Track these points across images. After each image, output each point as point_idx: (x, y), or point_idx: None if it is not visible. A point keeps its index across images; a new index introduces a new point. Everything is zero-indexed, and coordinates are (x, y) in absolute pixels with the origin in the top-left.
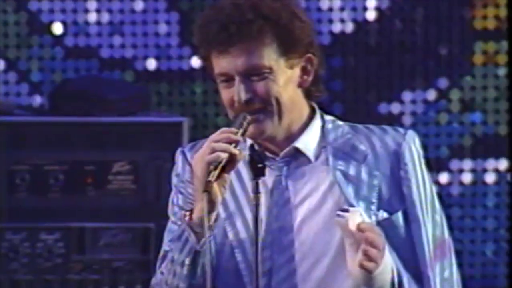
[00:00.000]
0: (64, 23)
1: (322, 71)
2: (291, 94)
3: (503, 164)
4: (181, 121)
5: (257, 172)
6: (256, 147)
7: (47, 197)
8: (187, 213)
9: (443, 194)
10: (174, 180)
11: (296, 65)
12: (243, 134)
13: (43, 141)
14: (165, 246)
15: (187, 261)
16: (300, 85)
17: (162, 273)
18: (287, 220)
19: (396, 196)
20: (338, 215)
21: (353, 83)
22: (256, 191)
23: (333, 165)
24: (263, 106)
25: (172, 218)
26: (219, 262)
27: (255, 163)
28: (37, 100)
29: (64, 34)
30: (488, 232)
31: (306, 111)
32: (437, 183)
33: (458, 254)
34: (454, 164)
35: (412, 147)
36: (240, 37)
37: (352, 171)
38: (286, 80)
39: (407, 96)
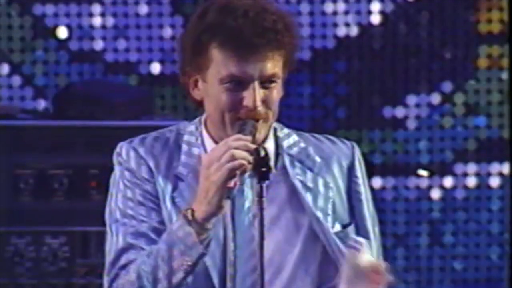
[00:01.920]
0: (68, 27)
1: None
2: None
3: (507, 168)
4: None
5: (262, 176)
6: (259, 149)
7: (51, 201)
8: (188, 212)
9: (448, 198)
10: (126, 173)
11: (285, 76)
12: (252, 143)
13: (48, 145)
14: (130, 240)
15: (189, 263)
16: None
17: (143, 270)
18: (249, 229)
19: (347, 209)
20: (352, 246)
21: (358, 87)
22: (261, 195)
23: (292, 174)
24: (266, 115)
25: (127, 211)
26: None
27: (260, 167)
28: (42, 104)
29: (68, 38)
30: (492, 236)
31: None
32: (441, 187)
33: (464, 258)
34: (459, 168)
35: (361, 159)
36: (271, 44)
37: (309, 181)
38: (280, 92)
39: (411, 99)
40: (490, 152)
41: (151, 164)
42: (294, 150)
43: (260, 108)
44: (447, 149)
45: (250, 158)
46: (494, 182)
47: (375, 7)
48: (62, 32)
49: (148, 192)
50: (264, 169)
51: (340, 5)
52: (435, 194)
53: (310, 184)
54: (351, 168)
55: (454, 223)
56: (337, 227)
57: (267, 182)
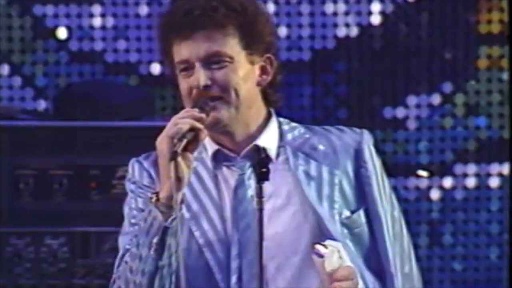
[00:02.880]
0: (68, 28)
1: (279, 77)
2: (250, 89)
3: (507, 169)
4: None
5: (261, 176)
6: (260, 149)
7: (52, 202)
8: (153, 195)
9: (447, 198)
10: (132, 186)
11: (256, 62)
12: (207, 116)
13: (48, 146)
14: (128, 246)
15: (155, 240)
16: (258, 84)
17: (126, 262)
18: (253, 219)
19: (358, 194)
20: (316, 253)
21: (358, 88)
22: (260, 195)
23: (294, 165)
24: (221, 95)
25: (131, 220)
26: (188, 261)
27: (259, 167)
28: (42, 104)
29: (68, 39)
30: (492, 236)
31: (263, 111)
32: (441, 187)
33: (463, 258)
34: (458, 169)
35: (370, 145)
36: (204, 23)
37: (313, 170)
38: (246, 73)
39: (411, 100)
40: (490, 152)
41: (153, 172)
42: (298, 142)
43: (209, 88)
44: (447, 150)
45: (198, 124)
46: (494, 182)
47: (375, 7)
48: (62, 33)
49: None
50: (264, 170)
51: (340, 5)
52: (435, 194)
53: (313, 173)
54: (359, 153)
55: (453, 224)
56: (346, 213)
57: (266, 182)
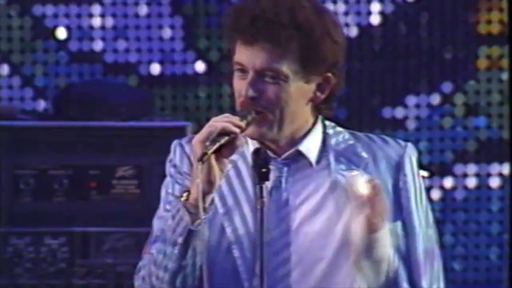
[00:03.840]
0: (68, 28)
1: (339, 91)
2: (299, 107)
3: (507, 169)
4: (185, 125)
5: (262, 177)
6: (261, 150)
7: (51, 202)
8: (185, 193)
9: (448, 198)
10: (171, 170)
11: (312, 81)
12: (247, 125)
13: (48, 146)
14: (156, 232)
15: (179, 240)
16: (311, 100)
17: (151, 253)
18: (285, 221)
19: (395, 206)
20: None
21: (358, 88)
22: (261, 195)
23: (335, 169)
24: (265, 111)
25: (166, 206)
26: (216, 257)
27: (259, 167)
28: (41, 104)
29: (68, 39)
30: (492, 237)
31: (311, 121)
32: (441, 187)
33: (463, 258)
34: (458, 169)
35: (413, 159)
36: (267, 36)
37: None
38: (298, 92)
39: (411, 100)
40: (490, 152)
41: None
42: (341, 147)
43: (255, 100)
44: (447, 150)
45: (234, 128)
46: (494, 182)
47: (375, 8)
48: (61, 33)
49: (187, 187)
50: (264, 170)
51: (340, 6)
52: (435, 194)
53: None
54: (400, 166)
55: (453, 224)
56: None
57: (267, 183)
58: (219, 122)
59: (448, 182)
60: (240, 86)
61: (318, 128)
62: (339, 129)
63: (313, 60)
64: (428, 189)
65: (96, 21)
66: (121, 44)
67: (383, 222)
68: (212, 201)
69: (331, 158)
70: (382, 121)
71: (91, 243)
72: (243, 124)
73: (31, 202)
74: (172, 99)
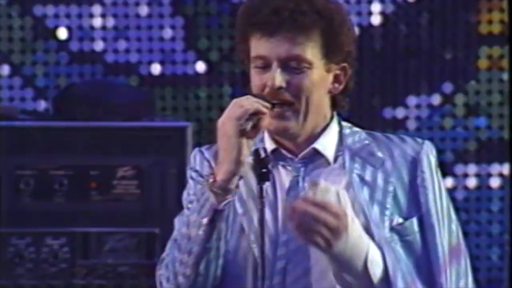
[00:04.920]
0: (69, 28)
1: (352, 84)
2: (321, 96)
3: (507, 169)
4: (185, 126)
5: (261, 177)
6: (258, 150)
7: (52, 202)
8: (210, 176)
9: None
10: (193, 174)
11: (332, 70)
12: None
13: (48, 146)
14: (176, 232)
15: (205, 221)
16: (329, 91)
17: (175, 240)
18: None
19: (413, 203)
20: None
21: (358, 88)
22: (261, 195)
23: (350, 168)
24: (293, 100)
25: (189, 205)
26: (236, 257)
27: (260, 168)
28: (42, 105)
29: (68, 39)
30: (493, 237)
31: (328, 116)
32: None
33: None
34: (459, 169)
35: (430, 156)
36: (290, 25)
37: (368, 175)
38: (320, 81)
39: (411, 100)
40: (490, 153)
41: (213, 163)
42: (357, 146)
43: (283, 90)
44: (447, 150)
45: (263, 108)
46: (495, 182)
47: (376, 8)
48: (62, 33)
49: (212, 171)
50: (264, 170)
51: None
52: None
53: (368, 178)
54: (417, 162)
55: None
56: (398, 220)
57: (267, 183)
58: (249, 102)
59: (448, 182)
60: (263, 79)
61: (335, 126)
62: (356, 129)
63: (334, 47)
64: None
65: (97, 22)
66: (122, 44)
67: (329, 241)
68: (237, 186)
69: (346, 157)
70: (383, 122)
71: (91, 243)
72: (269, 105)
73: (32, 202)
74: (173, 99)
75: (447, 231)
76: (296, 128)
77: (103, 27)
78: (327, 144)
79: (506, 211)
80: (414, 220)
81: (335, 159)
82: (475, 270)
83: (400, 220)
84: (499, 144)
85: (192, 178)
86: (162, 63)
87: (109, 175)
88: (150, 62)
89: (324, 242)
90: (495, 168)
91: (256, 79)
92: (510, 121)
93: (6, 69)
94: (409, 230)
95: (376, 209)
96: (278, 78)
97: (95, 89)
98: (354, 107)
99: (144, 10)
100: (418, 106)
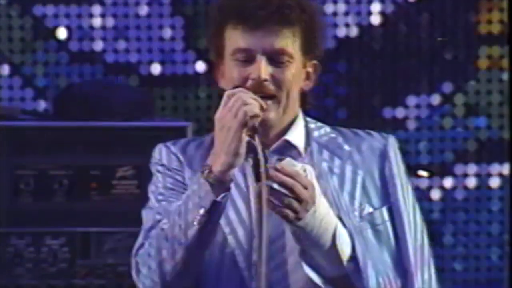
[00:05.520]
0: (68, 28)
1: (316, 84)
2: (297, 90)
3: (507, 169)
4: (185, 125)
5: (259, 177)
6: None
7: (52, 202)
8: (205, 167)
9: (448, 198)
10: (159, 168)
11: (306, 66)
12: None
13: (48, 146)
14: (158, 217)
15: (202, 211)
16: (301, 88)
17: (162, 229)
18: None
19: (382, 193)
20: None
21: (358, 88)
22: (260, 195)
23: (318, 160)
24: (275, 93)
25: (158, 197)
26: (213, 249)
27: (258, 166)
28: (42, 105)
29: (68, 39)
30: (492, 237)
31: (296, 112)
32: (441, 187)
33: (463, 258)
34: (459, 169)
35: (396, 150)
36: (277, 18)
37: (336, 167)
38: (298, 76)
39: (411, 100)
40: (490, 153)
41: (181, 157)
42: (324, 139)
43: (268, 82)
44: (447, 150)
45: (259, 111)
46: (494, 183)
47: (376, 8)
48: (62, 33)
49: (179, 181)
50: (261, 170)
51: (340, 6)
52: (435, 194)
53: (336, 170)
54: (384, 156)
55: (454, 224)
56: (368, 209)
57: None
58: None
59: (448, 182)
60: (245, 71)
61: (301, 121)
62: (320, 124)
63: (312, 43)
64: (428, 189)
65: (97, 21)
66: (122, 44)
67: (297, 212)
68: (231, 179)
69: (314, 150)
70: (383, 121)
71: (91, 243)
72: (259, 99)
73: (31, 202)
74: (173, 99)
75: (413, 223)
76: (275, 121)
77: (103, 27)
78: (297, 136)
79: (506, 211)
80: (384, 210)
81: (305, 151)
82: (475, 270)
83: (370, 209)
84: (499, 144)
85: (159, 171)
86: (162, 63)
87: (109, 175)
88: (150, 62)
89: (293, 213)
90: (495, 168)
91: (235, 71)
92: (510, 121)
93: (6, 69)
94: (379, 219)
95: (346, 198)
96: (264, 70)
97: (95, 89)
98: (354, 107)
99: (144, 10)
100: (418, 106)
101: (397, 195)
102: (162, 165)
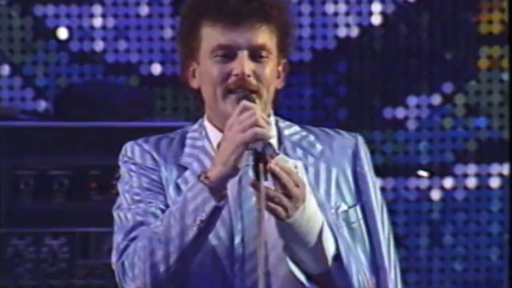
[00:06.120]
0: (69, 28)
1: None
2: (273, 88)
3: (507, 169)
4: (185, 126)
5: (259, 176)
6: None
7: (52, 202)
8: (203, 173)
9: (448, 199)
10: (132, 167)
11: (279, 64)
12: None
13: (48, 146)
14: (139, 218)
15: (203, 216)
16: (275, 86)
17: (155, 232)
18: (255, 209)
19: (354, 191)
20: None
21: (358, 88)
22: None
23: (292, 157)
24: (256, 89)
25: (135, 197)
26: None
27: (258, 165)
28: (42, 105)
29: (69, 39)
30: (492, 237)
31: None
32: (441, 188)
33: (463, 258)
34: (459, 169)
35: (366, 148)
36: (259, 15)
37: (310, 165)
38: (274, 71)
39: (412, 100)
40: (490, 153)
41: (155, 155)
42: (295, 137)
43: (251, 78)
44: (447, 150)
45: (269, 135)
46: (494, 183)
47: (376, 8)
48: (62, 33)
49: (154, 180)
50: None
51: (341, 6)
52: (435, 195)
53: (311, 169)
54: (355, 154)
55: (454, 224)
56: (343, 207)
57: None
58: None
59: (448, 183)
60: (226, 67)
61: (272, 119)
62: (288, 122)
63: (286, 41)
64: (428, 190)
65: (97, 21)
66: (122, 44)
67: (287, 209)
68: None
69: (288, 148)
70: (383, 122)
71: (91, 243)
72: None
73: (32, 202)
74: (173, 99)
75: (385, 222)
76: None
77: (104, 27)
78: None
79: (505, 211)
80: (358, 208)
81: (278, 148)
82: (475, 270)
83: (345, 207)
84: (499, 144)
85: (132, 170)
86: (162, 63)
87: (109, 175)
88: (150, 62)
89: (283, 210)
90: (495, 168)
91: (215, 69)
92: (510, 121)
93: (6, 69)
94: (354, 217)
95: (322, 196)
96: (247, 66)
97: (96, 89)
98: (354, 107)
99: (144, 10)
100: (418, 106)
101: (369, 194)
102: (135, 163)
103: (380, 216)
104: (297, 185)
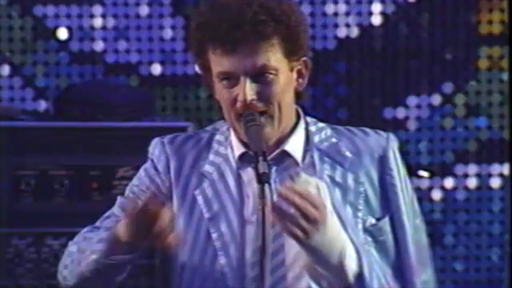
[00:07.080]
0: (69, 28)
1: (311, 74)
2: (290, 97)
3: (507, 169)
4: (186, 126)
5: (262, 178)
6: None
7: (53, 202)
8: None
9: (448, 199)
10: (148, 164)
11: (295, 67)
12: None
13: (48, 146)
14: (114, 210)
15: (114, 262)
16: (295, 89)
17: (85, 238)
18: (274, 226)
19: (383, 203)
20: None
21: (358, 88)
22: (262, 195)
23: (320, 169)
24: (265, 109)
25: (127, 191)
26: (203, 263)
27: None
28: (42, 105)
29: (69, 39)
30: (493, 237)
31: (294, 113)
32: (442, 188)
33: (464, 258)
34: (459, 169)
35: (396, 151)
36: (253, 37)
37: (338, 176)
38: (287, 82)
39: (412, 101)
40: (490, 153)
41: (172, 162)
42: (325, 145)
43: (255, 101)
44: (447, 150)
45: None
46: (495, 183)
47: (376, 8)
48: (62, 33)
49: (155, 184)
50: (264, 171)
51: (341, 6)
52: (436, 195)
53: (339, 180)
54: (384, 160)
55: (454, 224)
56: (371, 221)
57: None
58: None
59: (449, 183)
60: (231, 93)
61: (302, 124)
62: (321, 125)
63: (295, 47)
64: (429, 190)
65: (97, 22)
66: (122, 45)
67: (307, 232)
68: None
69: (316, 158)
70: (383, 122)
71: None
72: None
73: (32, 202)
74: (173, 99)
75: (412, 226)
76: (272, 134)
77: (104, 27)
78: (295, 144)
79: (506, 211)
80: (386, 220)
81: (304, 158)
82: (475, 270)
83: (373, 221)
84: (499, 145)
85: (145, 167)
86: (162, 63)
87: (110, 175)
88: (150, 63)
89: (302, 234)
90: (496, 168)
91: (223, 93)
92: (510, 121)
93: (6, 69)
94: (382, 230)
95: (349, 210)
96: (248, 92)
97: (96, 89)
98: (354, 107)
99: (144, 10)
100: (418, 106)
101: (399, 203)
102: (152, 160)
103: (411, 223)
104: (316, 207)
